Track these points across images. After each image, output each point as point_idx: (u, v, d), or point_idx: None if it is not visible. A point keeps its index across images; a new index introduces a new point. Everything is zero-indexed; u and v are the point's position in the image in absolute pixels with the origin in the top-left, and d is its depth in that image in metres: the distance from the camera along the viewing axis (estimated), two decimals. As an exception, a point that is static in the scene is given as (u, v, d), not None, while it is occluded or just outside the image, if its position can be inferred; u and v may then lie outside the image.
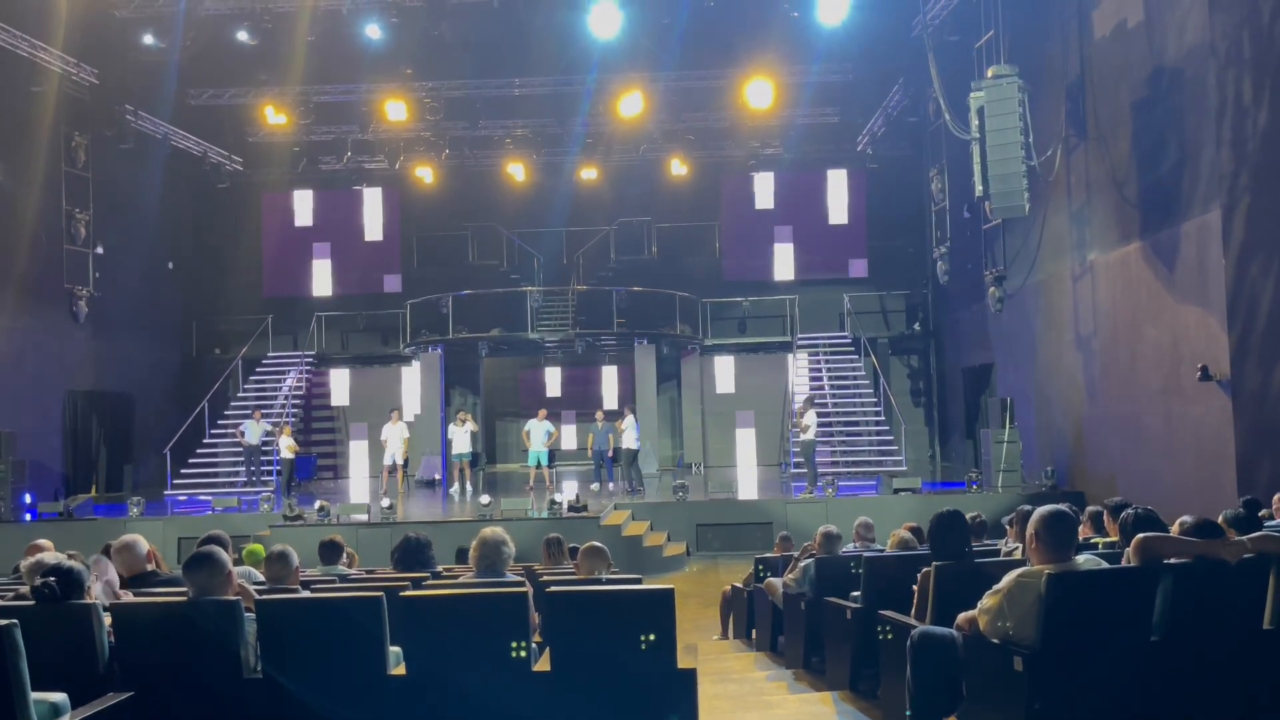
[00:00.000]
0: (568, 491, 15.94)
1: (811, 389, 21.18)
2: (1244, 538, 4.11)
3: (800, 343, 22.27)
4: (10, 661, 3.40)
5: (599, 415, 18.58)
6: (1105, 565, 4.07)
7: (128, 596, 4.92)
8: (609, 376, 24.32)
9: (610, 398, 23.85)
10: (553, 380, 24.46)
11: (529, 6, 16.72)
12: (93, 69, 18.35)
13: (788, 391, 22.07)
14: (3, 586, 6.30)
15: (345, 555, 7.19)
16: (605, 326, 20.99)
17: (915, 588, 5.16)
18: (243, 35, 16.93)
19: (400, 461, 17.85)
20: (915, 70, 18.34)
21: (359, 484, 21.77)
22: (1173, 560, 4.00)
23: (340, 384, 23.71)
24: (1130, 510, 5.15)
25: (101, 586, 4.84)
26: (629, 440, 17.19)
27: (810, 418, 16.68)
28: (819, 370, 21.59)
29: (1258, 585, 4.12)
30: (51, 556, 5.26)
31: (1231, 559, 4.02)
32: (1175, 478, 11.43)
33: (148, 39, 17.09)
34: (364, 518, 13.67)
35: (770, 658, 7.86)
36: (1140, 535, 4.11)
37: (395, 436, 17.74)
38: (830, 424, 20.26)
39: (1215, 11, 10.32)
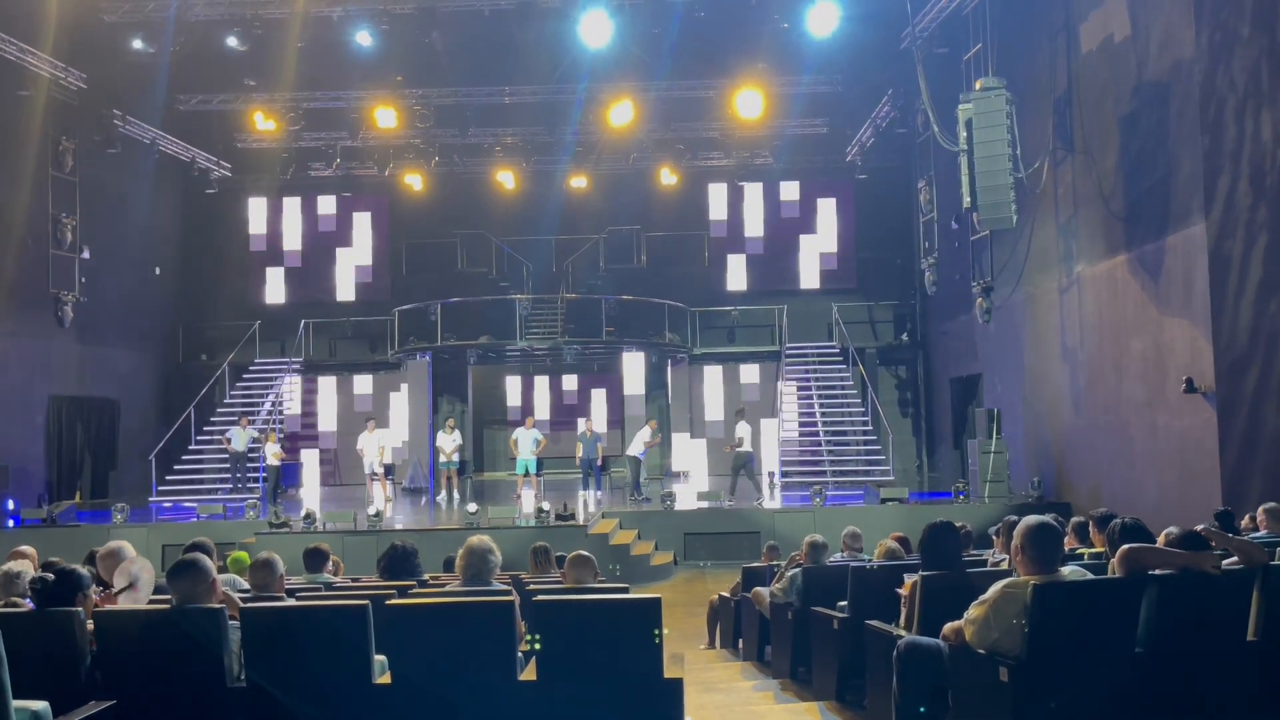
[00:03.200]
0: (555, 500, 15.91)
1: (799, 399, 21.23)
2: (1233, 536, 4.14)
3: (788, 353, 22.31)
4: (-9, 669, 3.37)
5: (587, 424, 18.56)
6: (1090, 576, 4.08)
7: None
8: (597, 385, 24.30)
9: (598, 406, 23.85)
10: (541, 388, 24.43)
11: (520, 15, 16.75)
12: (81, 73, 18.27)
13: (776, 401, 22.10)
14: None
15: (330, 563, 7.16)
16: (594, 335, 20.99)
17: (900, 591, 5.17)
18: (232, 41, 16.90)
19: (380, 470, 17.81)
20: (904, 82, 18.45)
21: (345, 492, 21.66)
22: (1157, 572, 4.02)
23: (327, 391, 23.63)
24: (1118, 520, 5.18)
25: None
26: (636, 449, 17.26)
27: (742, 429, 16.80)
28: (807, 380, 21.63)
29: (1242, 597, 4.14)
30: (20, 565, 5.22)
31: (1215, 571, 4.04)
32: (1160, 489, 11.48)
33: (137, 44, 17.01)
34: (350, 525, 13.60)
35: (757, 667, 7.86)
36: (1125, 546, 4.13)
37: (371, 445, 17.70)
38: (818, 433, 20.31)
39: (1201, 27, 10.41)
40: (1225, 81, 10.19)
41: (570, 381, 24.38)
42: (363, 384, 23.50)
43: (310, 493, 21.60)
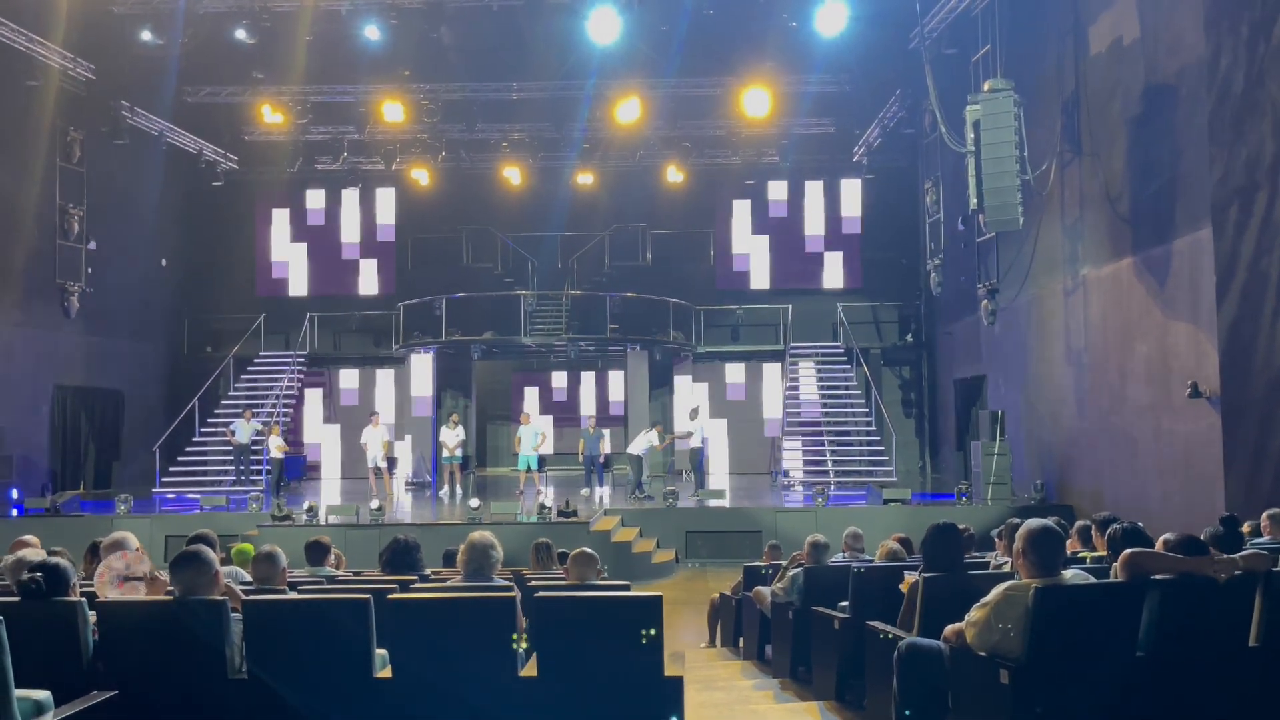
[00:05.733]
0: (557, 496, 15.92)
1: (803, 398, 21.21)
2: (1234, 555, 4.13)
3: (793, 352, 22.30)
4: (-6, 658, 3.38)
5: (590, 421, 18.57)
6: (1093, 580, 4.08)
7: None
8: (601, 382, 24.31)
9: (602, 403, 23.85)
10: (545, 385, 24.44)
11: (528, 11, 16.75)
12: (90, 64, 18.31)
13: (780, 400, 22.10)
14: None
15: (332, 556, 7.17)
16: (598, 332, 20.99)
17: (904, 587, 5.17)
18: (241, 33, 16.90)
19: (383, 464, 17.84)
20: (912, 82, 18.42)
21: (348, 485, 21.70)
22: (1159, 576, 4.02)
23: (331, 385, 23.67)
24: (1118, 525, 5.17)
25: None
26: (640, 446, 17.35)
27: (695, 426, 17.09)
28: (811, 380, 21.61)
29: (1244, 603, 4.13)
30: (34, 554, 5.24)
31: (1220, 577, 4.03)
32: (1164, 493, 11.47)
33: (145, 35, 17.03)
34: (352, 519, 13.63)
35: (757, 666, 7.86)
36: (1127, 551, 4.12)
37: (375, 440, 17.74)
38: (821, 433, 20.31)
39: (1210, 30, 10.38)
40: (1234, 85, 10.16)
41: (574, 378, 24.37)
42: (367, 378, 23.53)
43: (313, 485, 21.61)
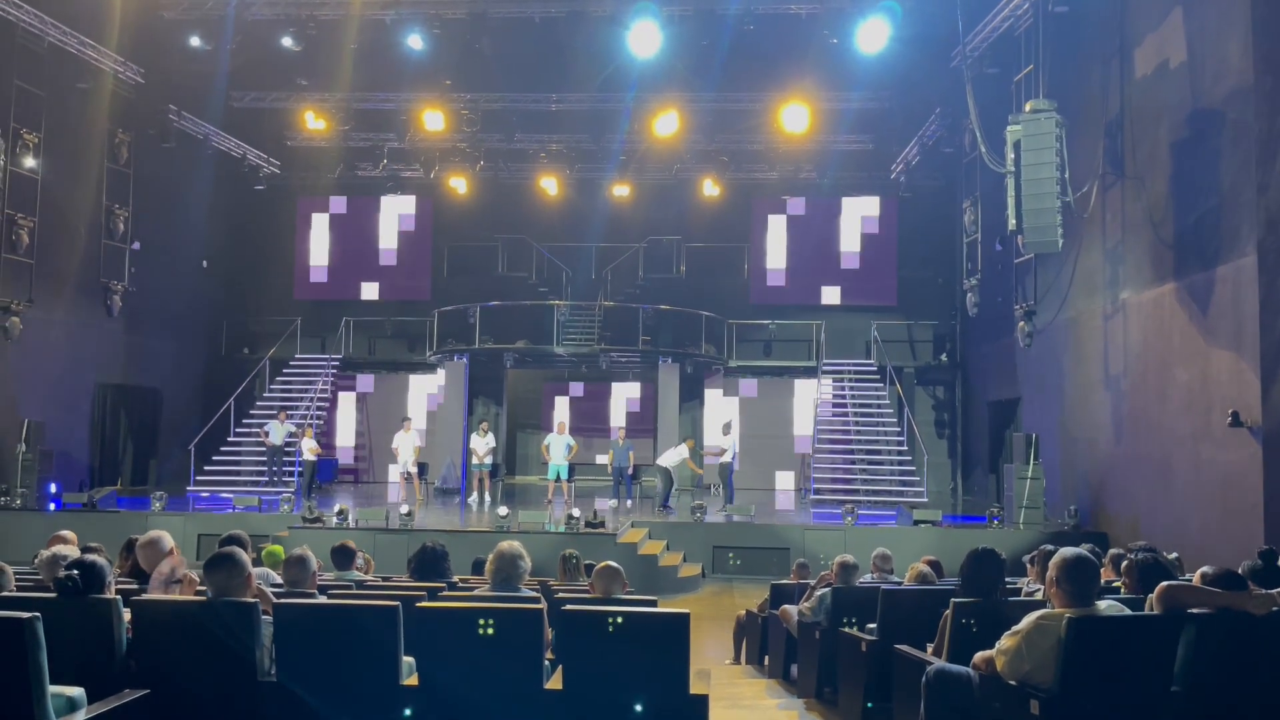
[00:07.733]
0: (585, 506, 15.92)
1: (835, 416, 21.10)
2: (1273, 591, 4.05)
3: (825, 369, 22.19)
4: (31, 655, 3.43)
5: (620, 432, 18.58)
6: (1127, 611, 4.02)
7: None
8: (632, 393, 24.32)
9: (632, 415, 23.85)
10: (576, 395, 24.49)
11: (570, 23, 16.87)
12: (139, 68, 18.68)
13: (812, 417, 21.98)
14: (24, 576, 6.36)
15: (360, 559, 7.22)
16: (630, 343, 21.01)
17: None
18: (288, 40, 17.19)
19: (413, 470, 17.95)
20: (952, 101, 18.31)
21: (379, 489, 21.86)
22: (1196, 610, 3.95)
23: (365, 389, 23.88)
24: (1133, 557, 5.10)
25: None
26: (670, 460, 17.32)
27: (726, 441, 17.15)
28: (843, 397, 21.49)
29: (1282, 640, 4.05)
30: (69, 550, 5.33)
31: (1258, 612, 3.96)
32: (1201, 524, 11.26)
33: (194, 40, 17.36)
34: (382, 523, 13.72)
35: (782, 685, 7.81)
36: (1164, 584, 4.06)
37: (406, 445, 17.86)
38: (852, 451, 20.17)
39: (1259, 55, 10.23)
40: (1283, 111, 10.00)
41: (604, 389, 24.40)
42: (400, 383, 23.71)
43: (345, 489, 21.78)
